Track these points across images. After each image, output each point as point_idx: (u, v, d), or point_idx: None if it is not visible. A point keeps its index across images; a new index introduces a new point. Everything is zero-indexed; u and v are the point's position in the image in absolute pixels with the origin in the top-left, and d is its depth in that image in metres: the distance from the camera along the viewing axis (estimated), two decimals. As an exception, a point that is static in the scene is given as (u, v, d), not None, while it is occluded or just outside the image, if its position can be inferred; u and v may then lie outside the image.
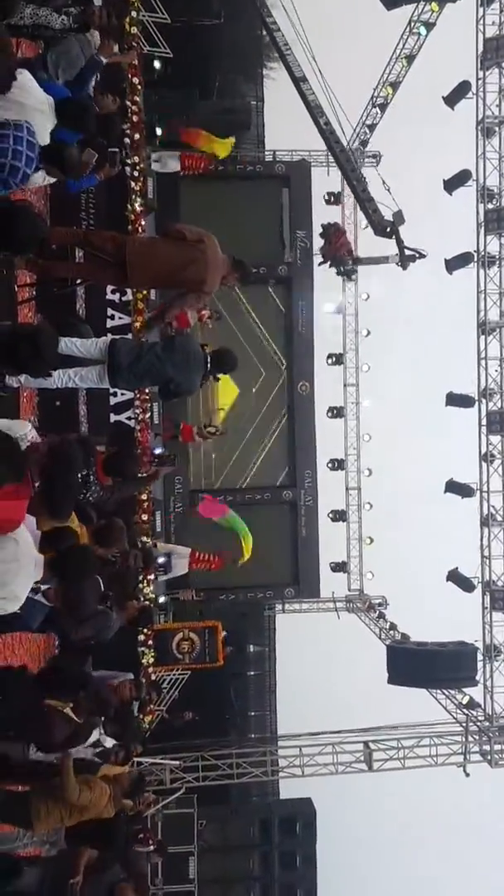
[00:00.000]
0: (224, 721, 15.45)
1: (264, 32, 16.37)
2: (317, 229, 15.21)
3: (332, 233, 11.40)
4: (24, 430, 3.66)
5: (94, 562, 4.25)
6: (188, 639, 11.94)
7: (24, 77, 3.99)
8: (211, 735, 13.06)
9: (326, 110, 12.39)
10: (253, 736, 16.05)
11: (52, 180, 4.41)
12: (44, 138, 3.86)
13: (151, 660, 10.06)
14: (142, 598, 10.36)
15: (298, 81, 11.73)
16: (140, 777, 5.53)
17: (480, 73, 11.89)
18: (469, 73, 12.11)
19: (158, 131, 9.49)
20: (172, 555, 10.98)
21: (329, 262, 12.46)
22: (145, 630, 9.93)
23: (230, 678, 15.70)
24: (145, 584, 10.52)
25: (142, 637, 10.11)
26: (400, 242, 12.06)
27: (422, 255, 12.19)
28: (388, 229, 11.93)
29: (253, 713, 17.40)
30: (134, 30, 8.65)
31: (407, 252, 12.01)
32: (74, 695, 4.20)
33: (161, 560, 10.37)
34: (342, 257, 12.16)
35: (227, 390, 14.42)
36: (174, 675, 12.30)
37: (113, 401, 9.29)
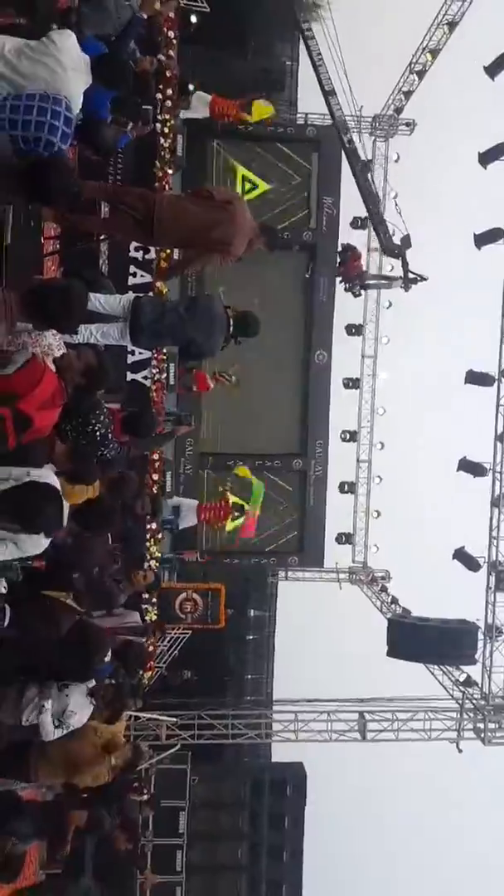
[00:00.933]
0: (221, 682, 15.73)
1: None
2: (345, 196, 14.94)
3: (350, 255, 11.60)
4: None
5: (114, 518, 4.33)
6: (191, 599, 12.13)
7: (63, 35, 3.90)
8: (208, 695, 13.32)
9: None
10: (249, 698, 16.34)
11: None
12: (77, 103, 3.81)
13: (154, 617, 10.21)
14: (149, 558, 10.52)
15: (327, 95, 11.71)
16: (137, 751, 5.69)
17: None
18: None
19: (191, 87, 9.28)
20: (181, 507, 11.06)
21: (340, 279, 12.86)
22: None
23: (230, 641, 15.95)
24: (152, 543, 10.66)
25: (145, 595, 10.27)
26: (405, 265, 12.84)
27: (423, 279, 13.25)
28: (397, 251, 12.77)
29: (250, 676, 17.69)
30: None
31: (410, 275, 13.02)
32: (69, 584, 4.24)
33: (169, 516, 10.46)
34: (353, 278, 12.57)
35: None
36: (175, 634, 12.51)
37: (130, 359, 9.28)
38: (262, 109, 10.89)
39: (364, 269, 11.67)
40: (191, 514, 11.40)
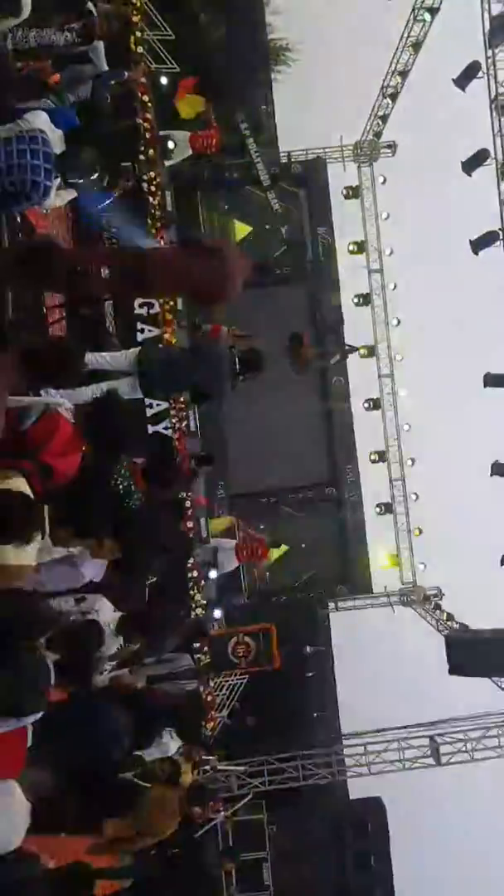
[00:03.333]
0: (286, 724, 15.43)
1: (270, 37, 16.55)
2: (337, 224, 15.24)
3: (298, 343, 11.92)
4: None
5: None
6: (243, 643, 11.99)
7: (34, 115, 4.06)
8: (274, 739, 13.06)
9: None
10: (318, 737, 15.96)
11: (68, 198, 4.52)
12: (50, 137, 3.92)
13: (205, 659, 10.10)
14: (193, 606, 10.49)
15: (266, 190, 12.23)
16: (200, 786, 5.61)
17: (489, 52, 11.73)
18: (478, 53, 11.96)
19: (171, 145, 9.61)
20: (219, 550, 11.03)
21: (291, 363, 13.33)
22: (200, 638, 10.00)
23: (289, 681, 15.69)
24: (196, 591, 10.64)
25: (196, 645, 10.21)
26: (341, 338, 14.69)
27: (355, 350, 15.49)
28: (332, 329, 14.52)
29: (315, 714, 17.32)
30: (140, 49, 8.83)
31: (347, 347, 15.01)
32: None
33: (205, 556, 10.43)
34: (299, 364, 13.00)
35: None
36: (232, 680, 12.37)
37: (149, 412, 9.44)
38: (194, 102, 11.02)
39: (310, 357, 12.03)
40: (230, 557, 11.36)
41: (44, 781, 3.73)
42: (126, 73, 6.61)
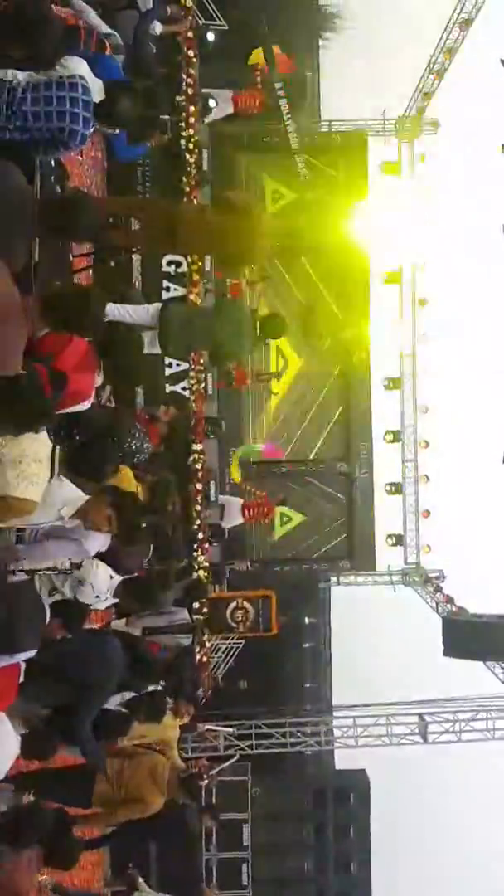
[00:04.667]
0: (279, 691, 15.70)
1: (321, 2, 16.19)
2: (375, 198, 15.01)
3: (315, 309, 11.75)
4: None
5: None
6: (242, 607, 12.13)
7: (73, 62, 4.02)
8: (265, 704, 13.30)
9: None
10: (307, 707, 16.25)
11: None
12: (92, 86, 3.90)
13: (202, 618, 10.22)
14: (196, 568, 10.64)
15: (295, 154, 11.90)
16: (189, 778, 5.72)
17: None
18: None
19: (212, 103, 9.49)
20: (226, 506, 11.14)
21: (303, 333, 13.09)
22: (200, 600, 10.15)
23: (286, 649, 15.92)
24: (199, 553, 10.78)
25: (196, 605, 10.36)
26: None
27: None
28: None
29: (308, 684, 17.59)
30: (188, 2, 8.70)
31: None
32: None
33: (213, 498, 10.56)
34: (312, 333, 12.77)
35: (289, 359, 14.47)
36: (229, 643, 12.56)
37: (168, 371, 9.49)
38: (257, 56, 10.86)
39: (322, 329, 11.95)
40: (236, 513, 11.43)
41: (34, 713, 3.90)
42: (168, 9, 6.49)
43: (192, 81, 8.63)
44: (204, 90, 9.11)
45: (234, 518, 11.29)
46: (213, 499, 11.11)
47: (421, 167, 16.53)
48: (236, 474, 12.39)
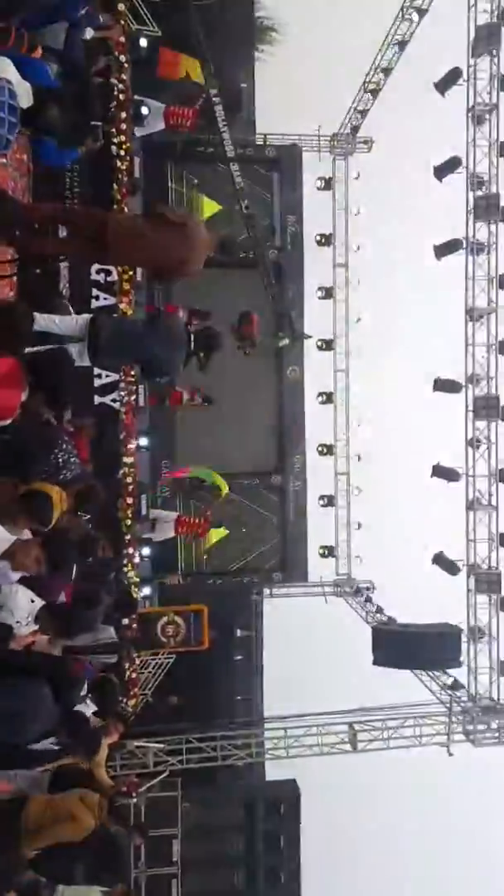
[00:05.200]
0: (210, 705, 15.57)
1: (257, 15, 16.31)
2: (308, 214, 15.21)
3: (244, 321, 11.93)
4: None
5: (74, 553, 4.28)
6: (173, 622, 11.98)
7: (3, 64, 3.90)
8: (197, 719, 13.15)
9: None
10: (238, 719, 16.16)
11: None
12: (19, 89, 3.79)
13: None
14: (126, 583, 10.41)
15: (230, 161, 12.04)
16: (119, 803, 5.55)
17: (472, 61, 11.82)
18: (460, 59, 12.04)
19: (145, 111, 9.38)
20: (158, 520, 10.97)
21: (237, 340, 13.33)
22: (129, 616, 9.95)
23: (217, 663, 15.81)
24: (130, 568, 10.56)
25: (126, 622, 10.14)
26: (292, 323, 14.22)
27: (308, 337, 15.15)
28: (284, 313, 14.09)
29: (239, 697, 17.53)
30: (121, 6, 8.56)
31: (298, 334, 14.61)
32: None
33: (143, 512, 10.36)
34: (245, 341, 13.00)
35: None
36: (159, 659, 12.36)
37: (98, 382, 9.26)
38: (194, 65, 10.85)
39: (256, 334, 12.09)
40: (168, 527, 11.28)
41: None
42: (101, 18, 6.36)
43: (123, 87, 8.48)
44: (136, 97, 8.98)
45: (165, 532, 11.13)
46: (143, 513, 10.92)
47: (354, 184, 16.89)
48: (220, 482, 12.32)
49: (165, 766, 11.39)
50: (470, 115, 12.04)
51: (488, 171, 12.03)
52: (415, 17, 13.75)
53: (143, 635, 11.26)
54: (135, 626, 10.37)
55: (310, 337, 15.35)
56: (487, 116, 12.06)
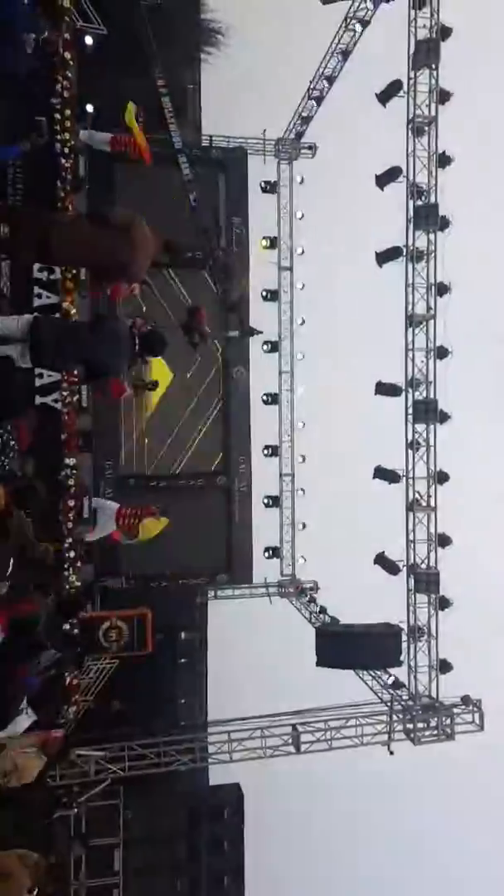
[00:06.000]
0: (153, 710, 15.42)
1: (203, 17, 16.28)
2: (253, 216, 15.28)
3: (195, 315, 11.95)
4: None
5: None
6: (116, 627, 11.81)
7: None
8: (140, 724, 13.00)
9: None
10: (182, 724, 16.08)
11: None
12: None
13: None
14: (67, 587, 10.21)
15: (177, 152, 12.05)
16: (48, 866, 5.40)
17: (412, 74, 12.10)
18: (401, 72, 12.30)
19: (90, 108, 9.25)
20: (99, 510, 10.74)
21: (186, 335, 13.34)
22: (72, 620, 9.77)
23: (161, 667, 15.67)
24: (71, 573, 10.37)
25: (67, 627, 9.96)
26: (242, 319, 14.27)
27: (258, 332, 15.08)
28: (234, 308, 14.27)
29: (183, 701, 17.42)
30: (67, 3, 8.41)
31: (248, 329, 14.61)
32: None
33: (86, 514, 10.15)
34: (194, 335, 13.03)
35: (161, 374, 14.30)
36: (101, 664, 12.17)
37: (39, 382, 9.08)
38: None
39: (206, 328, 12.11)
40: (109, 522, 11.03)
41: None
42: (46, 30, 6.25)
43: (68, 84, 8.34)
44: (83, 133, 8.89)
45: (107, 527, 10.88)
46: (86, 515, 10.73)
47: (299, 188, 17.07)
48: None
49: (107, 774, 11.20)
50: (410, 126, 12.32)
51: (427, 181, 12.34)
52: (357, 27, 13.99)
53: (86, 640, 11.06)
54: (76, 631, 10.20)
55: (260, 332, 15.39)
56: (427, 128, 12.37)
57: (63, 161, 8.55)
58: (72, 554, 10.32)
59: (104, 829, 13.89)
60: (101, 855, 14.37)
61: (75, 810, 9.22)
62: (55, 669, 6.09)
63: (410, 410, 12.26)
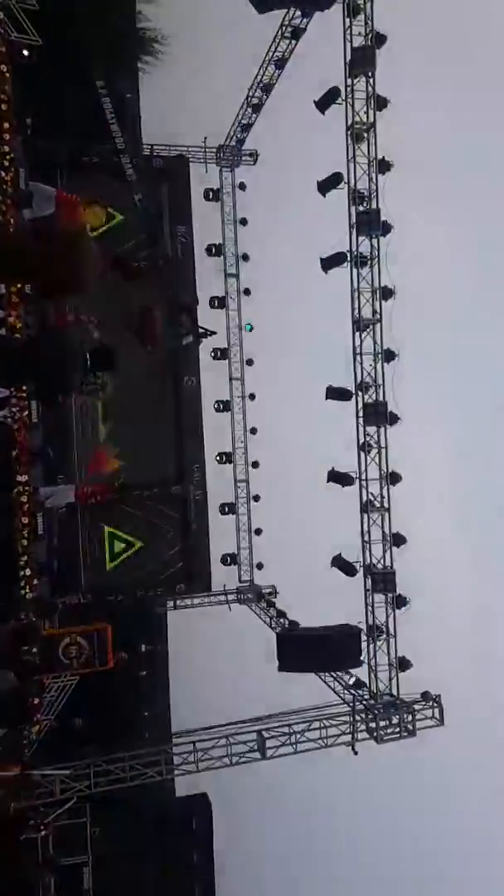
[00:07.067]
0: (117, 724, 15.21)
1: (139, 25, 16.24)
2: (198, 224, 15.31)
3: (147, 316, 11.91)
4: None
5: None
6: (76, 643, 11.66)
7: None
8: (104, 740, 12.82)
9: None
10: (147, 735, 15.91)
11: None
12: None
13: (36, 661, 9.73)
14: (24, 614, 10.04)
15: (119, 153, 12.03)
16: None
17: (349, 81, 12.31)
18: (338, 79, 12.50)
19: (28, 121, 9.12)
20: (55, 495, 10.55)
21: (139, 338, 13.26)
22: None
23: (122, 680, 15.48)
24: (27, 590, 10.20)
25: (25, 647, 9.80)
26: (195, 320, 14.34)
27: (212, 333, 15.23)
28: (186, 310, 14.33)
29: (146, 713, 17.25)
30: (0, 14, 8.30)
31: (200, 330, 14.65)
32: None
33: (41, 531, 9.98)
34: (147, 340, 12.99)
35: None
36: (62, 681, 11.99)
37: (-13, 399, 8.91)
38: (96, 215, 10.83)
39: (159, 330, 12.06)
40: (66, 493, 10.78)
41: None
42: None
43: (5, 97, 8.22)
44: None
45: (63, 497, 10.62)
46: (40, 532, 10.57)
47: (242, 195, 17.17)
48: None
49: (73, 793, 11.01)
50: (349, 133, 12.53)
51: (368, 187, 12.56)
52: (292, 36, 14.18)
53: (44, 658, 10.88)
54: (35, 650, 10.02)
55: (214, 333, 15.41)
56: (366, 135, 12.60)
57: (3, 174, 8.43)
58: (27, 571, 10.15)
59: (72, 848, 13.63)
60: (71, 875, 14.09)
61: (43, 832, 9.03)
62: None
63: (361, 413, 12.45)
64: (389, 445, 12.41)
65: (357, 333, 12.56)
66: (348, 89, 12.41)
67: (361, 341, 12.60)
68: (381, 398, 12.50)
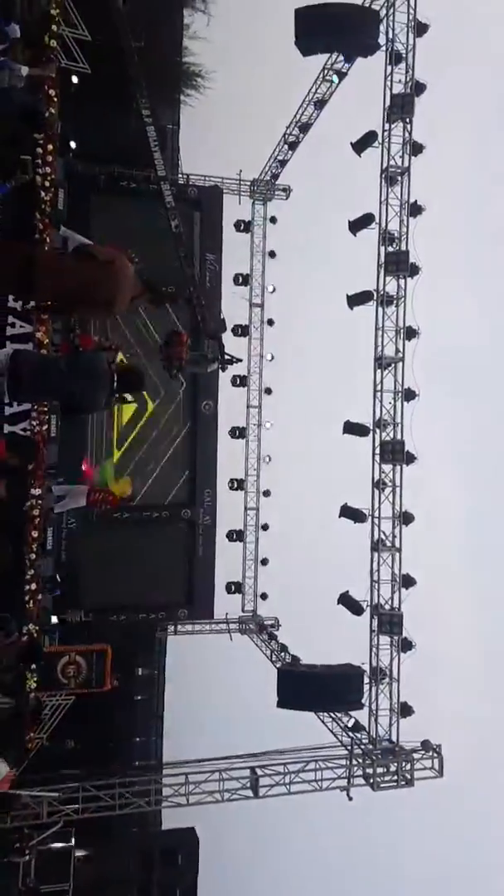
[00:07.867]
0: (109, 748, 14.97)
1: (184, 60, 16.68)
2: (227, 253, 15.50)
3: (175, 341, 12.04)
4: None
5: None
6: (74, 662, 11.55)
7: None
8: (95, 763, 12.61)
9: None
10: (137, 764, 15.64)
11: None
12: None
13: (34, 685, 9.67)
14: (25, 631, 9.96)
15: (160, 180, 12.26)
16: None
17: (386, 126, 12.55)
18: (377, 123, 12.75)
19: (72, 144, 9.35)
20: (68, 495, 10.45)
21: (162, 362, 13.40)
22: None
23: (117, 703, 15.28)
24: (31, 606, 10.15)
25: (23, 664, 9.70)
26: (222, 347, 13.83)
27: (238, 360, 14.66)
28: (214, 335, 13.79)
29: (138, 739, 16.98)
30: (53, 43, 8.56)
31: (226, 357, 14.05)
32: None
33: (57, 493, 9.87)
34: (174, 362, 13.11)
35: (126, 407, 14.24)
36: (57, 700, 11.85)
37: (8, 411, 8.97)
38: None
39: (185, 355, 12.14)
40: (80, 497, 10.72)
41: None
42: (22, 69, 6.30)
43: (52, 120, 8.44)
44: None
45: (75, 501, 10.52)
46: (49, 547, 10.55)
47: (272, 228, 17.43)
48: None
49: (60, 817, 10.79)
50: (383, 176, 12.73)
51: (399, 229, 12.72)
52: (335, 79, 14.50)
53: (43, 675, 10.77)
54: (33, 666, 9.93)
55: (240, 360, 15.33)
56: (400, 178, 12.80)
57: (43, 194, 8.61)
58: (33, 586, 10.11)
59: (54, 874, 13.32)
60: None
61: (27, 856, 8.84)
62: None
63: (377, 450, 12.42)
64: (404, 485, 12.34)
65: (378, 371, 12.60)
66: (385, 134, 12.65)
67: (382, 379, 12.63)
68: (398, 437, 12.48)
